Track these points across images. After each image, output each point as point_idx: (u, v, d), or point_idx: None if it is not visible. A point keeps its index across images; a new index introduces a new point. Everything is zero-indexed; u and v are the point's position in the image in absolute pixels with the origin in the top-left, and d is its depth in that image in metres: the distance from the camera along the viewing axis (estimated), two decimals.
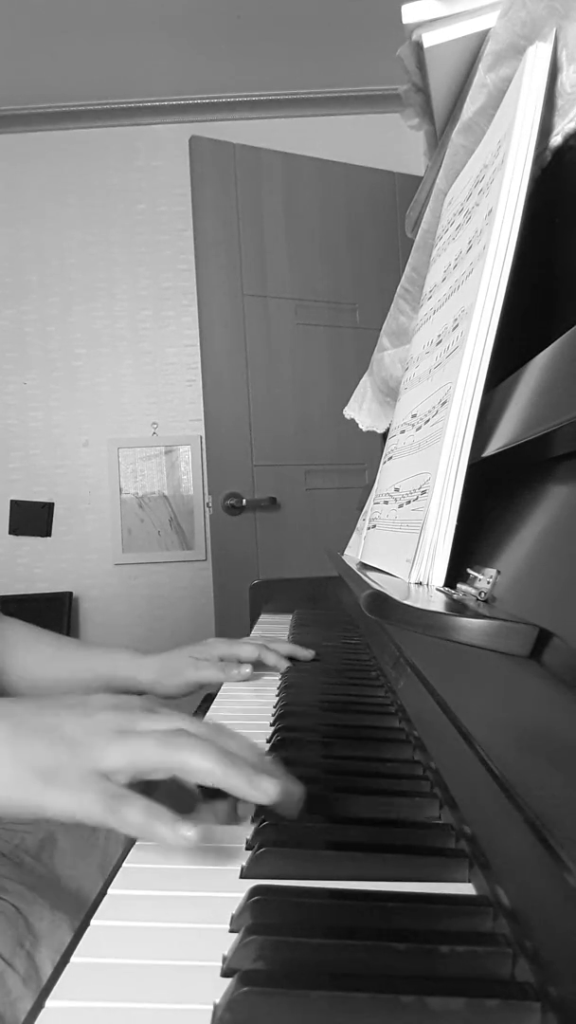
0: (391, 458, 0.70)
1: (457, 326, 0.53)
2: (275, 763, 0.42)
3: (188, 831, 0.37)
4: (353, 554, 0.94)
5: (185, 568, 2.71)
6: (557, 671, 0.31)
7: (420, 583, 0.49)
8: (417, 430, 0.59)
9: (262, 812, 0.43)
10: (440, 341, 0.58)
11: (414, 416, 0.62)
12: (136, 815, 0.37)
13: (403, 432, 0.66)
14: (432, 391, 0.57)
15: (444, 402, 0.51)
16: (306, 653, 0.86)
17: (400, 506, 0.60)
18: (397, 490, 0.63)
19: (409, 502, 0.57)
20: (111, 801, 0.38)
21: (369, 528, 0.77)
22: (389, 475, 0.69)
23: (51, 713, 0.43)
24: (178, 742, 0.40)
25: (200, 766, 0.39)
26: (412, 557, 0.50)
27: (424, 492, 0.52)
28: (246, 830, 0.42)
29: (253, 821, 0.43)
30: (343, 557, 0.92)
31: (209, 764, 0.39)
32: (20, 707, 0.45)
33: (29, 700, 0.46)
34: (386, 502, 0.68)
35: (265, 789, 0.39)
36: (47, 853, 0.70)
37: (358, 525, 1.06)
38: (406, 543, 0.55)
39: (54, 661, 0.86)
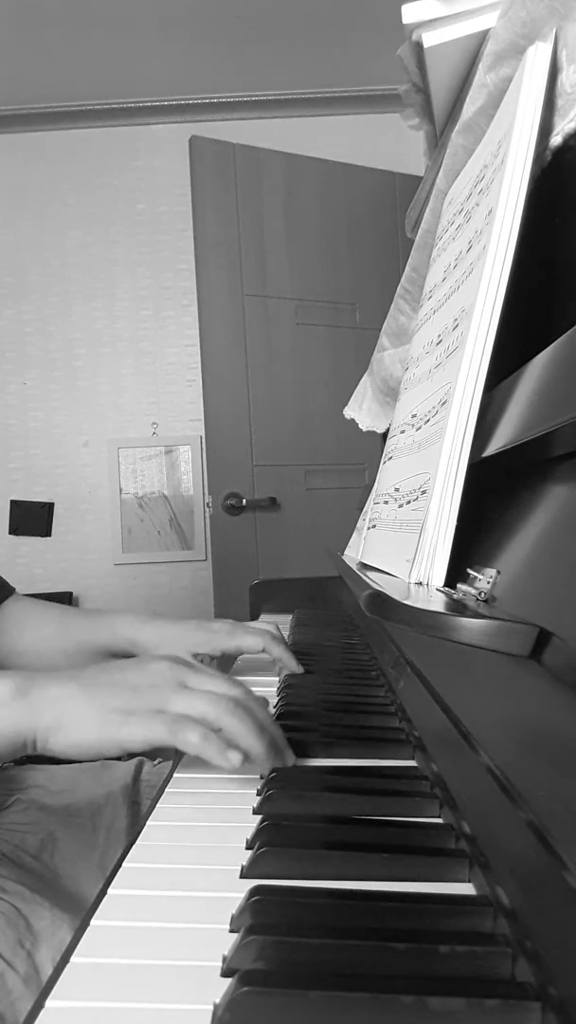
0: (391, 458, 0.70)
1: (457, 326, 0.53)
2: (278, 740, 0.52)
3: (234, 756, 0.46)
4: (353, 554, 0.94)
5: (185, 568, 2.71)
6: (557, 671, 0.31)
7: (420, 583, 0.49)
8: (417, 430, 0.59)
9: (263, 810, 0.44)
10: (440, 341, 0.58)
11: (414, 416, 0.62)
12: (194, 737, 0.46)
13: (403, 432, 0.66)
14: (432, 391, 0.57)
15: (444, 402, 0.51)
16: (296, 667, 0.79)
17: (400, 506, 0.60)
18: (397, 490, 0.63)
19: (409, 502, 0.57)
20: (174, 726, 0.46)
21: (369, 528, 0.77)
22: (389, 475, 0.69)
23: (115, 670, 0.52)
24: (226, 707, 0.48)
25: (237, 729, 0.48)
26: (412, 557, 0.50)
27: (424, 492, 0.52)
28: (247, 831, 0.42)
29: (262, 778, 0.50)
30: (343, 557, 0.92)
31: (244, 729, 0.48)
32: (86, 671, 0.52)
33: (91, 665, 0.54)
34: (386, 502, 0.68)
35: (285, 760, 0.51)
36: (47, 853, 0.70)
37: (358, 525, 1.06)
38: (406, 543, 0.55)
39: (58, 635, 0.86)
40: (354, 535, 1.06)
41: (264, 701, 0.53)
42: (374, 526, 0.73)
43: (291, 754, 0.52)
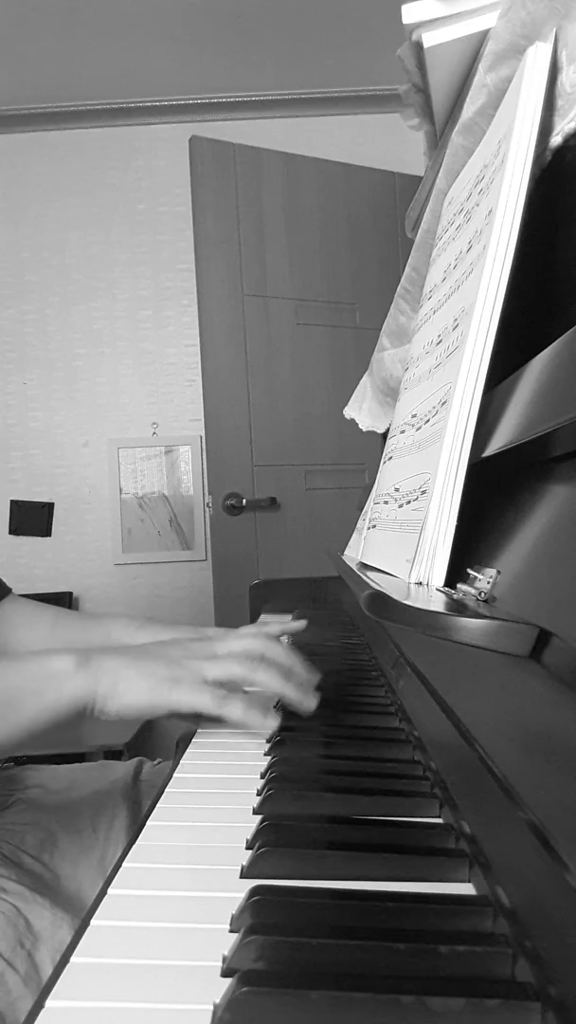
0: (391, 458, 0.70)
1: (457, 326, 0.53)
2: (307, 682, 0.60)
3: (272, 721, 0.56)
4: (353, 554, 0.94)
5: (185, 568, 2.71)
6: (557, 671, 0.31)
7: (420, 583, 0.49)
8: (417, 430, 0.59)
9: (263, 810, 0.44)
10: (440, 341, 0.58)
11: (414, 416, 0.62)
12: (238, 709, 0.54)
13: (403, 432, 0.66)
14: (432, 391, 0.57)
15: (444, 402, 0.51)
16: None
17: (400, 506, 0.60)
18: (397, 490, 0.63)
19: (409, 502, 0.57)
20: (220, 699, 0.54)
21: (369, 528, 0.77)
22: (389, 475, 0.69)
23: (155, 646, 0.60)
24: (253, 665, 0.57)
25: (270, 683, 0.57)
26: (412, 557, 0.50)
27: (424, 492, 0.52)
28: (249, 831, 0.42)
29: (268, 741, 0.58)
30: (343, 557, 0.92)
31: (276, 682, 0.57)
32: (131, 647, 0.61)
33: (129, 645, 0.64)
34: (386, 502, 0.68)
35: (309, 703, 0.59)
36: (47, 853, 0.70)
37: (358, 525, 1.06)
38: (406, 543, 0.55)
39: (51, 636, 0.87)
40: (354, 535, 1.06)
41: (290, 653, 0.62)
42: (374, 526, 0.73)
43: (314, 698, 0.59)
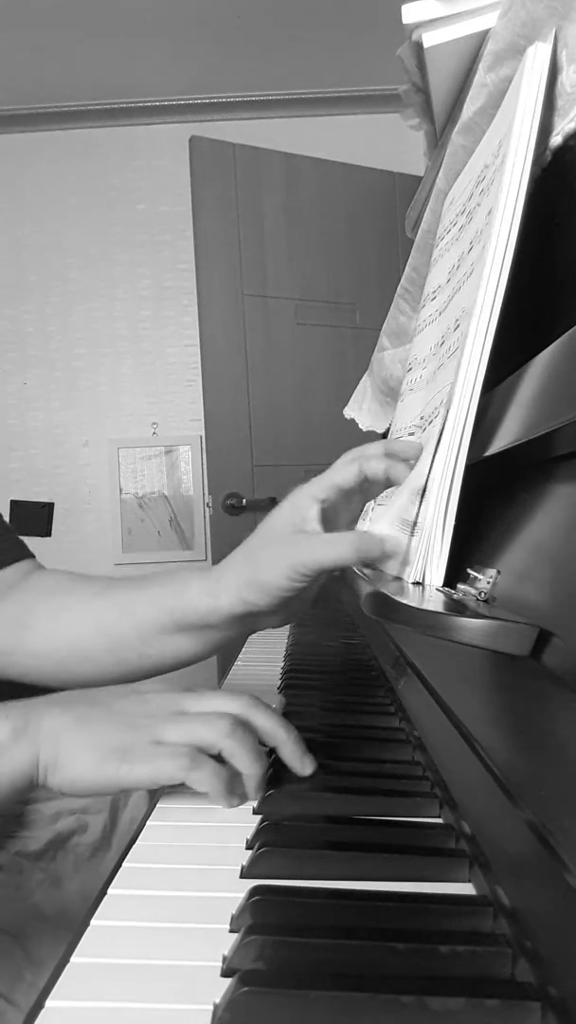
0: None
1: (458, 327, 0.53)
2: (299, 742, 0.48)
3: (237, 802, 0.45)
4: None
5: (185, 568, 2.70)
6: (557, 671, 0.31)
7: (420, 583, 0.49)
8: (423, 432, 0.59)
9: (263, 810, 0.44)
10: (443, 342, 0.58)
11: (422, 419, 0.61)
12: (204, 775, 0.44)
13: (411, 435, 0.66)
14: (435, 392, 0.57)
15: (445, 403, 0.51)
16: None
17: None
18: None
19: (414, 502, 0.57)
20: (184, 760, 0.43)
21: (370, 528, 0.77)
22: None
23: (108, 702, 0.48)
24: (225, 731, 0.45)
25: (235, 752, 0.45)
26: (412, 557, 0.50)
27: (425, 492, 0.52)
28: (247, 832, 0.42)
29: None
30: None
31: (241, 751, 0.45)
32: (80, 702, 0.48)
33: (80, 694, 0.50)
34: (383, 504, 0.67)
35: (304, 768, 0.48)
36: (48, 855, 0.69)
37: (358, 525, 1.06)
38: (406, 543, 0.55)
39: (94, 606, 0.65)
40: None
41: (277, 715, 0.49)
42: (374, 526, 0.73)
43: (311, 762, 0.48)
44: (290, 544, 0.53)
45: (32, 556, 0.76)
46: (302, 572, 0.51)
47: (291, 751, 0.47)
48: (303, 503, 0.56)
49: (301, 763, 0.47)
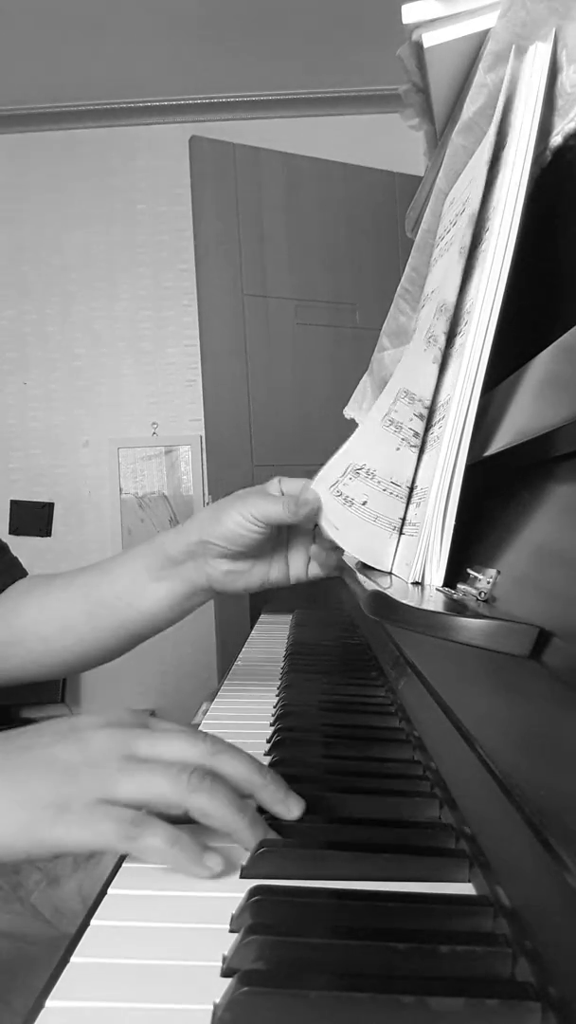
0: None
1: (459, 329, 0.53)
2: (278, 781, 0.42)
3: (213, 862, 0.37)
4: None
5: None
6: (557, 671, 0.31)
7: (420, 583, 0.49)
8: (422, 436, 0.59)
9: (263, 810, 0.44)
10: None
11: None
12: (157, 841, 0.36)
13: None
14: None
15: (445, 403, 0.51)
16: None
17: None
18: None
19: (418, 504, 0.57)
20: (130, 828, 0.36)
21: None
22: None
23: (41, 745, 0.40)
24: (192, 784, 0.38)
25: (208, 808, 0.38)
26: (412, 557, 0.50)
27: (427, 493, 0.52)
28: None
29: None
30: (343, 557, 0.92)
31: (216, 805, 0.38)
32: (8, 743, 0.41)
33: (16, 733, 0.43)
34: None
35: (290, 810, 0.42)
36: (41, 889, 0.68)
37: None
38: (407, 544, 0.55)
39: (78, 580, 0.71)
40: None
41: (247, 756, 0.42)
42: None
43: (296, 801, 0.42)
44: (247, 495, 0.66)
45: (26, 574, 0.79)
46: (250, 519, 0.63)
47: (271, 795, 0.41)
48: (267, 483, 0.67)
49: (285, 806, 0.41)
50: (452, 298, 0.50)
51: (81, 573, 0.72)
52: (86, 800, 0.37)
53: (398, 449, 0.56)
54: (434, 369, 0.52)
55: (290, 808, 0.41)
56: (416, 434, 0.56)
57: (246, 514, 0.63)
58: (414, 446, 0.56)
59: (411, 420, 0.55)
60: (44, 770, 0.39)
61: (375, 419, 0.59)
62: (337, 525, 0.60)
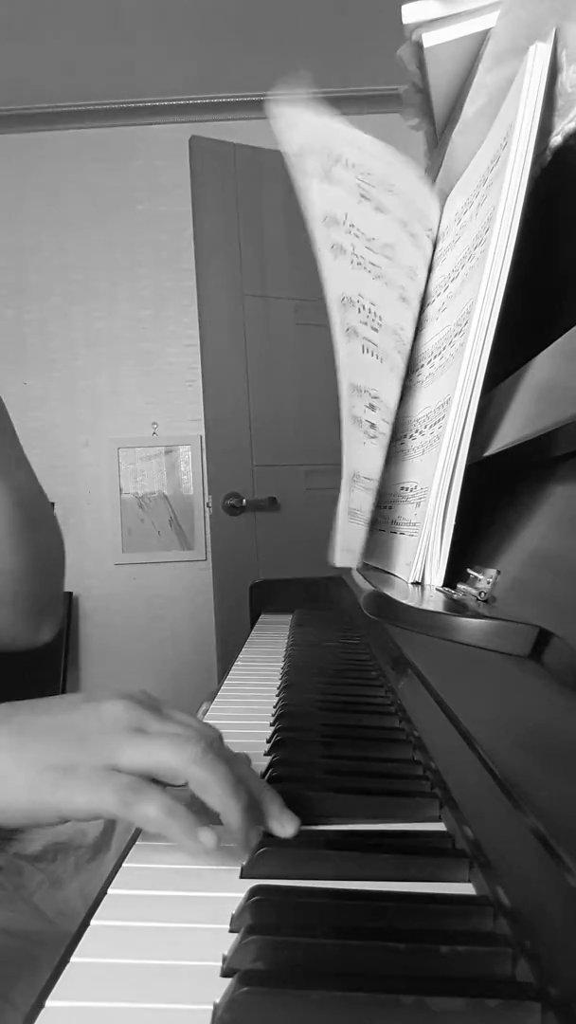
0: None
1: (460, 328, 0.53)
2: (273, 795, 0.42)
3: (206, 837, 0.36)
4: None
5: (185, 568, 2.70)
6: (557, 671, 0.31)
7: (420, 583, 0.49)
8: (422, 436, 0.59)
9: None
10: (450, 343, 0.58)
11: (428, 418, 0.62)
12: (153, 810, 0.36)
13: (412, 438, 0.66)
14: (438, 392, 0.57)
15: (445, 403, 0.51)
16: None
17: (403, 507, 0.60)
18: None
19: (418, 504, 0.57)
20: (128, 794, 0.36)
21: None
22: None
23: (58, 711, 0.41)
24: (194, 754, 0.38)
25: (206, 783, 0.38)
26: (412, 557, 0.50)
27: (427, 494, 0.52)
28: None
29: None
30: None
31: (214, 781, 0.38)
32: (23, 710, 0.42)
33: (32, 702, 0.43)
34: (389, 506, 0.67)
35: (284, 826, 0.40)
36: (48, 857, 0.69)
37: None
38: (406, 543, 0.55)
39: None
40: None
41: (246, 759, 0.43)
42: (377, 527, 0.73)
43: (291, 818, 0.41)
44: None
45: None
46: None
47: (266, 810, 0.41)
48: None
49: (280, 823, 0.40)
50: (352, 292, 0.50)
51: None
52: (92, 765, 0.38)
53: (364, 444, 0.57)
54: (371, 360, 0.52)
55: (284, 825, 0.40)
56: (372, 425, 0.56)
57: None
58: (373, 437, 0.56)
59: (365, 412, 0.56)
60: (54, 735, 0.39)
61: (344, 419, 0.59)
62: (350, 547, 0.57)
